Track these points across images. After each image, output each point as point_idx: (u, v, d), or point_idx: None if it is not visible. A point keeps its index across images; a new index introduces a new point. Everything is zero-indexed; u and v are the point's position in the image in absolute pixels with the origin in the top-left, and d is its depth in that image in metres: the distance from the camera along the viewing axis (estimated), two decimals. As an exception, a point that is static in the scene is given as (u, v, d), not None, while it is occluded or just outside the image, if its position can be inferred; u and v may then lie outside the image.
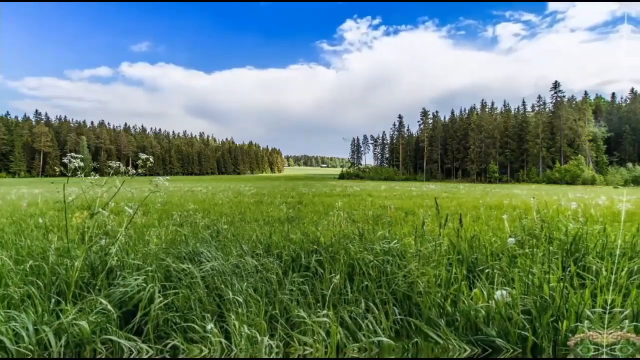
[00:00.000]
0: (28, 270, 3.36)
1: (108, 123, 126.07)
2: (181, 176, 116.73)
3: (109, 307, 2.61)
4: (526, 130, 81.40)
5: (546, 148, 77.25)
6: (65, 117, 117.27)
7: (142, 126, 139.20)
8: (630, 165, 62.45)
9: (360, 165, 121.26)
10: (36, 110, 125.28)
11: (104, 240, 4.39)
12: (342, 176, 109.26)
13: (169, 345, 2.19)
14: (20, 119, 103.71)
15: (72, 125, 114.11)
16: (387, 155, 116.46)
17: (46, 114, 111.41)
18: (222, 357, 2.08)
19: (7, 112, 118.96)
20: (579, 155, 69.71)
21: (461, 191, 19.35)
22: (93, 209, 3.89)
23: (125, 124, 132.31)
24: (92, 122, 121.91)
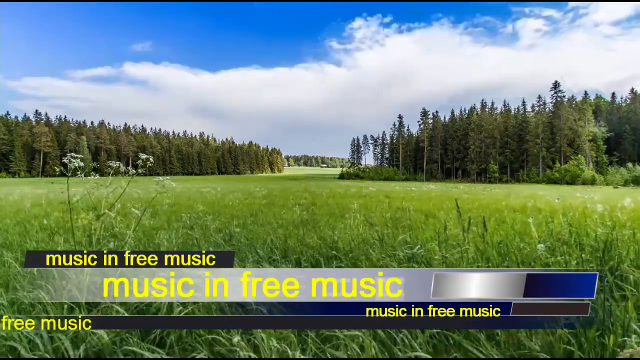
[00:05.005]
0: (36, 273, 3.28)
1: (108, 123, 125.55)
2: (182, 176, 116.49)
3: (127, 315, 2.53)
4: (526, 130, 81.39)
5: (546, 148, 77.23)
6: (65, 117, 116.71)
7: (142, 126, 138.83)
8: (630, 165, 62.39)
9: (360, 165, 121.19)
10: (36, 110, 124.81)
11: (112, 243, 4.31)
12: (342, 176, 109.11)
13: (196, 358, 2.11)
14: (20, 119, 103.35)
15: (72, 125, 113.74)
16: (387, 155, 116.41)
17: (46, 114, 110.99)
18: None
19: (7, 112, 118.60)
20: (579, 155, 69.68)
21: (482, 193, 18.56)
22: (99, 210, 3.81)
23: (125, 124, 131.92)
24: (92, 122, 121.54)
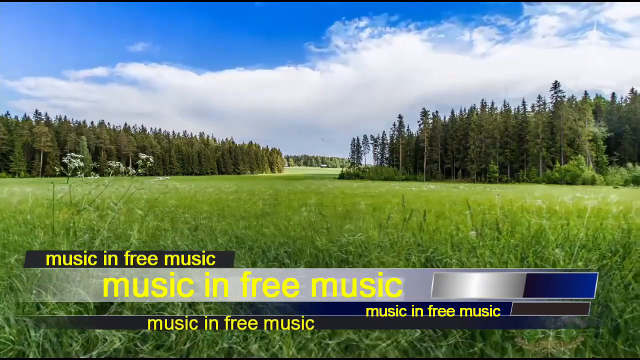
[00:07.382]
0: (13, 263, 3.43)
1: (108, 123, 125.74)
2: (181, 176, 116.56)
3: (87, 298, 2.69)
4: (526, 130, 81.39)
5: (546, 148, 77.19)
6: (65, 117, 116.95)
7: (142, 126, 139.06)
8: (630, 165, 62.31)
9: (360, 165, 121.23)
10: (36, 110, 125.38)
11: (87, 235, 4.47)
12: (342, 176, 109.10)
13: (140, 332, 2.27)
14: (20, 119, 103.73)
15: (72, 125, 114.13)
16: (387, 155, 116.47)
17: (46, 114, 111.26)
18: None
19: (7, 112, 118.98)
20: (579, 155, 69.63)
21: (432, 189, 19.85)
22: (80, 205, 3.96)
23: (125, 124, 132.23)
24: (92, 122, 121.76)
